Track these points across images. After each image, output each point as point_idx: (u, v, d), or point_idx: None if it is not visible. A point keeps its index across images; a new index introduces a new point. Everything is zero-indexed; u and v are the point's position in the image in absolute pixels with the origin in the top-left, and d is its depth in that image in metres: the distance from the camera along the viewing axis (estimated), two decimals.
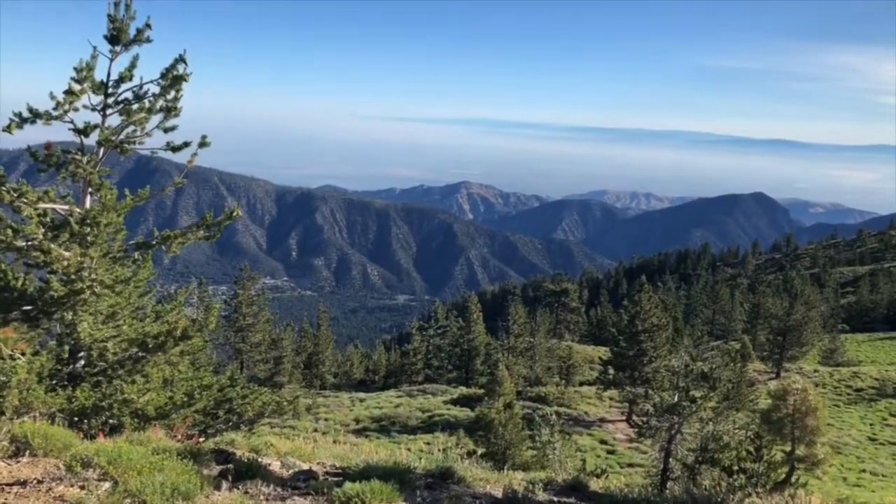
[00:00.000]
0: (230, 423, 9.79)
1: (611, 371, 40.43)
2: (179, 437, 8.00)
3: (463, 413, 36.54)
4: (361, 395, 43.82)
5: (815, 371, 54.14)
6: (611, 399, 41.92)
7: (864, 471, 33.54)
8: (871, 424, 42.13)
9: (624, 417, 38.09)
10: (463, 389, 44.21)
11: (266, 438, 7.95)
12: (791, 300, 58.33)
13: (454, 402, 40.02)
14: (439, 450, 14.27)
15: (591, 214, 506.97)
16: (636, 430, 25.90)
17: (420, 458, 8.11)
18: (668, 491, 8.73)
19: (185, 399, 9.17)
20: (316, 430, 33.68)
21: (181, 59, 9.26)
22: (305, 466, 7.31)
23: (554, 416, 22.85)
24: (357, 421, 35.96)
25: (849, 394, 48.25)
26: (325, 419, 35.76)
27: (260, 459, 7.13)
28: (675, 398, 19.05)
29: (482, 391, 39.25)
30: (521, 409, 27.26)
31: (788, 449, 15.97)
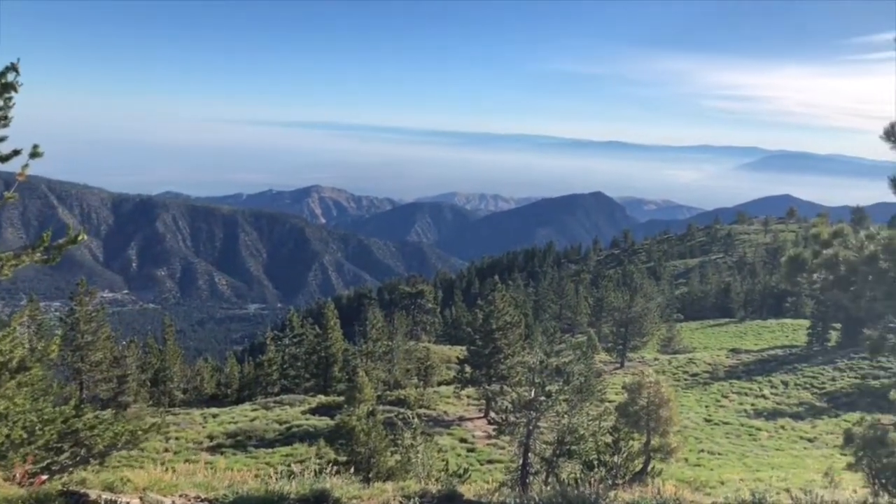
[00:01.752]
0: (78, 458, 9.03)
1: (468, 369, 41.15)
2: (20, 479, 7.27)
3: (322, 422, 35.97)
4: (214, 410, 42.11)
5: (656, 359, 57.73)
6: (469, 397, 42.67)
7: (702, 451, 36.01)
8: (706, 406, 45.35)
9: (482, 415, 38.89)
10: (322, 398, 43.53)
11: (122, 473, 7.38)
12: (631, 293, 61.85)
13: (313, 411, 39.32)
14: (298, 462, 13.94)
15: (443, 216, 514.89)
16: (495, 426, 26.55)
17: (291, 481, 7.84)
18: (534, 491, 8.95)
19: (25, 436, 8.36)
20: (167, 451, 32.02)
21: (12, 68, 8.46)
22: (168, 501, 6.86)
23: (416, 419, 22.97)
24: (211, 438, 34.53)
25: (686, 379, 51.76)
26: (177, 438, 34.10)
27: (117, 498, 6.61)
28: (532, 393, 19.70)
29: (342, 398, 38.84)
30: (382, 413, 27.19)
31: (645, 440, 16.90)
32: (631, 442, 14.13)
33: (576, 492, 7.68)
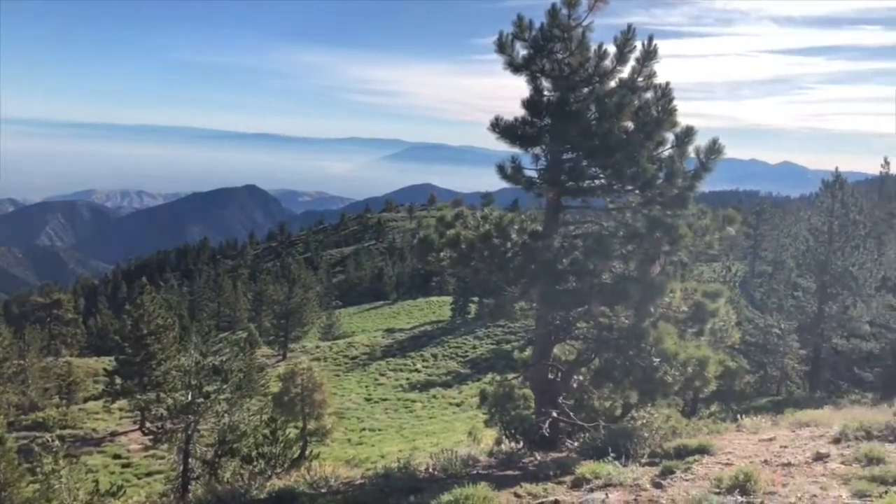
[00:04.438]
0: None
1: (118, 381, 38.14)
2: None
3: None
4: None
5: (317, 347, 59.01)
6: (121, 410, 39.52)
7: (364, 429, 37.77)
8: (366, 386, 47.60)
9: (137, 427, 36.32)
10: None
11: None
12: (290, 285, 62.31)
13: None
14: None
15: (80, 216, 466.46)
16: (151, 437, 25.00)
17: None
18: (190, 494, 8.66)
19: None
20: None
21: None
22: None
23: (57, 442, 20.68)
24: None
25: (346, 362, 53.72)
26: None
27: None
28: (189, 397, 18.94)
29: None
30: (16, 440, 24.07)
31: (301, 426, 17.18)
32: (288, 430, 14.36)
33: (228, 488, 7.60)
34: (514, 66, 10.67)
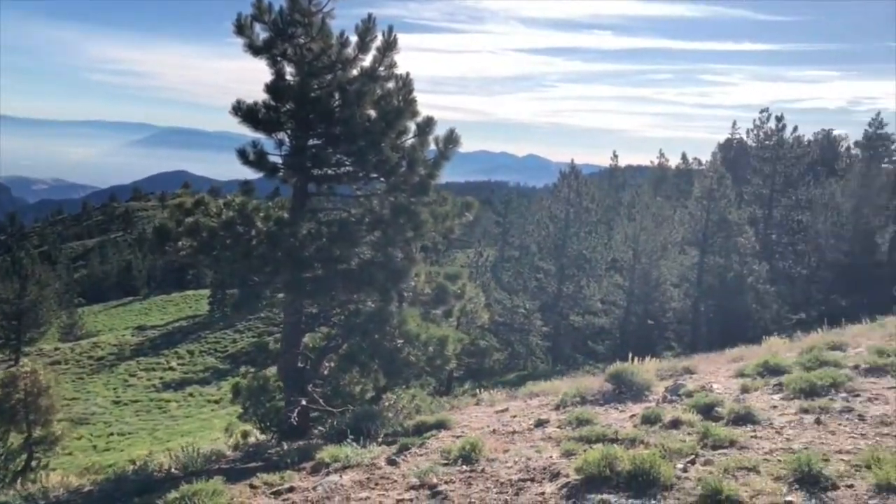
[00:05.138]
0: None
1: None
2: None
3: None
4: None
5: (56, 349, 53.81)
6: None
7: (112, 434, 35.19)
8: (114, 388, 44.31)
9: None
10: None
11: None
12: (22, 281, 56.07)
13: None
14: None
15: None
16: None
17: None
18: None
19: None
20: None
21: None
22: None
23: None
24: None
25: (91, 364, 49.57)
26: None
27: None
28: None
29: None
30: None
31: (26, 435, 15.55)
32: (10, 440, 12.89)
33: None
34: (254, 49, 10.41)
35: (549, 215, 44.04)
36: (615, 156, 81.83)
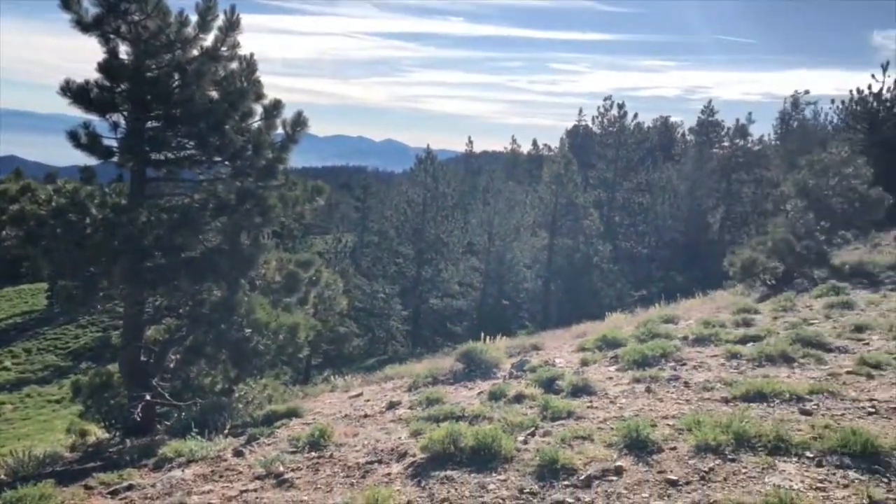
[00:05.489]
0: None
1: None
2: None
3: None
4: None
5: None
6: None
7: None
8: None
9: None
10: None
11: None
12: None
13: None
14: None
15: None
16: None
17: None
18: None
19: None
20: None
21: None
22: None
23: None
24: None
25: None
26: None
27: None
28: None
29: None
30: None
31: None
32: None
33: None
34: (83, 26, 9.74)
35: (407, 200, 44.29)
36: (470, 142, 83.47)
